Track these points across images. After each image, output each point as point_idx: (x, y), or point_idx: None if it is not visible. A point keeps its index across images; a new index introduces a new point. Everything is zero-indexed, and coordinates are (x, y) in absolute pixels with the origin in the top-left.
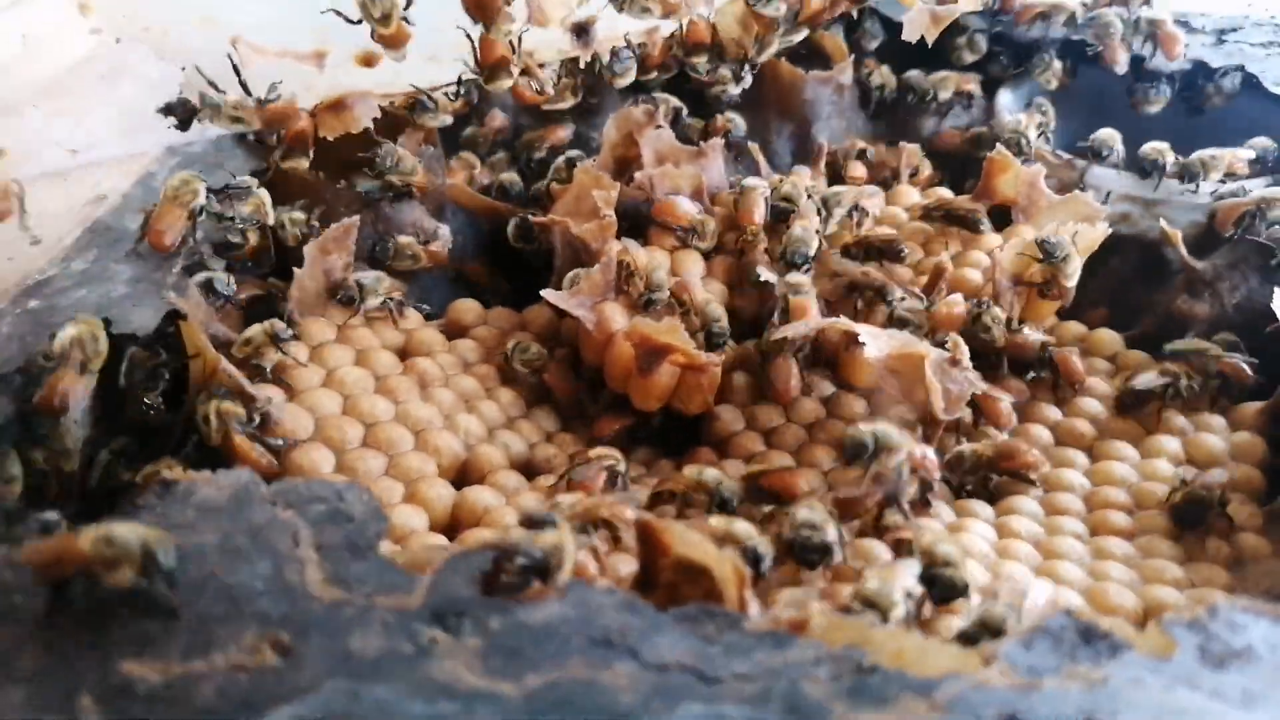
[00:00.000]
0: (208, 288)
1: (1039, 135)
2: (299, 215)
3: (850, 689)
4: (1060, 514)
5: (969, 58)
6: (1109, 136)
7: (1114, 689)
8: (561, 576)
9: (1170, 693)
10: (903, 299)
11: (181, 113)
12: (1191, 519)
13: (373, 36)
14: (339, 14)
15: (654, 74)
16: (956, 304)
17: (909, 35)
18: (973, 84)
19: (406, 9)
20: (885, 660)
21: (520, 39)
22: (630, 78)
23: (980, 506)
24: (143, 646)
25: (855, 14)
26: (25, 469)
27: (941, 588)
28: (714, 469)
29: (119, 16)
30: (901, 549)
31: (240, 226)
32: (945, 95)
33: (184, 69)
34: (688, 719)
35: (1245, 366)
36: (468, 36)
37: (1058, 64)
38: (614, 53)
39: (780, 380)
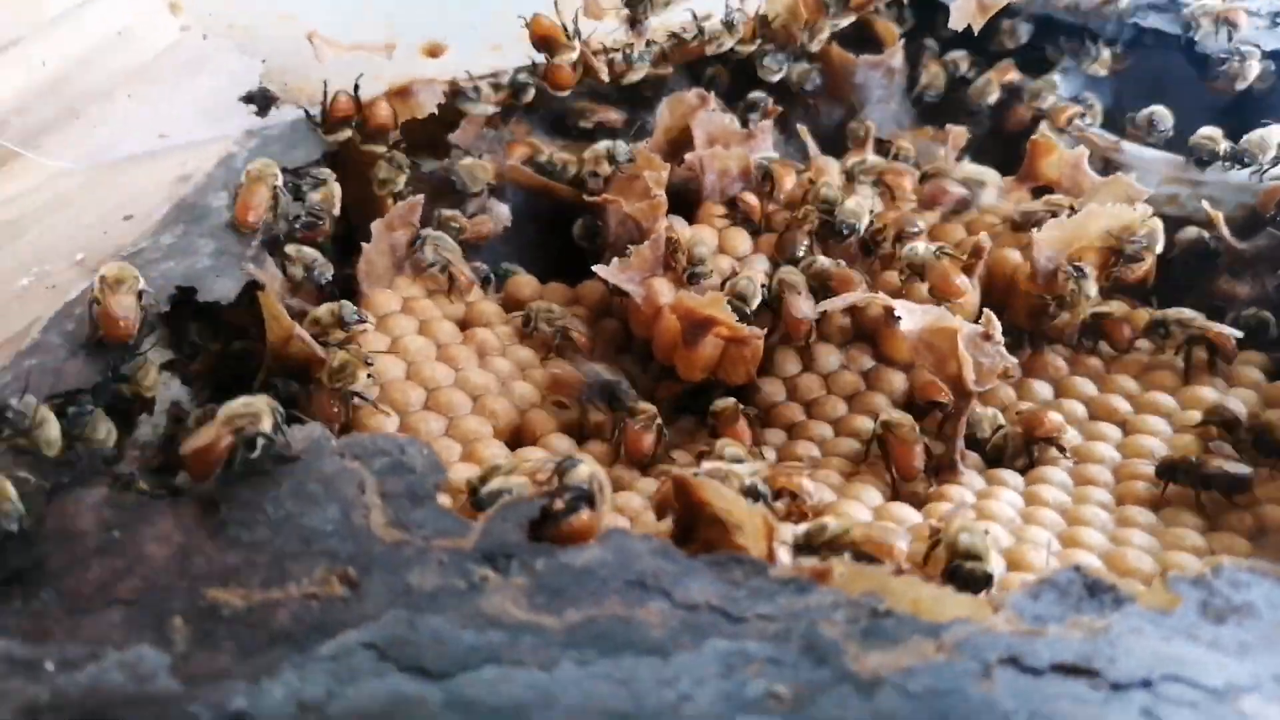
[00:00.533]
0: (308, 270)
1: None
2: (402, 179)
3: (864, 630)
4: (1088, 484)
5: (1009, 45)
6: (1162, 113)
7: (1114, 637)
8: (604, 503)
9: (1168, 642)
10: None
11: (261, 101)
12: (1164, 474)
13: None
14: None
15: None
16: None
17: (955, 24)
18: (1012, 71)
19: None
20: (901, 607)
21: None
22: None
23: (1010, 475)
24: (227, 577)
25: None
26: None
27: (963, 580)
28: (734, 446)
29: (206, 15)
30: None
31: (315, 212)
32: (993, 99)
33: (264, 61)
34: (712, 653)
35: (1229, 334)
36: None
37: (1106, 52)
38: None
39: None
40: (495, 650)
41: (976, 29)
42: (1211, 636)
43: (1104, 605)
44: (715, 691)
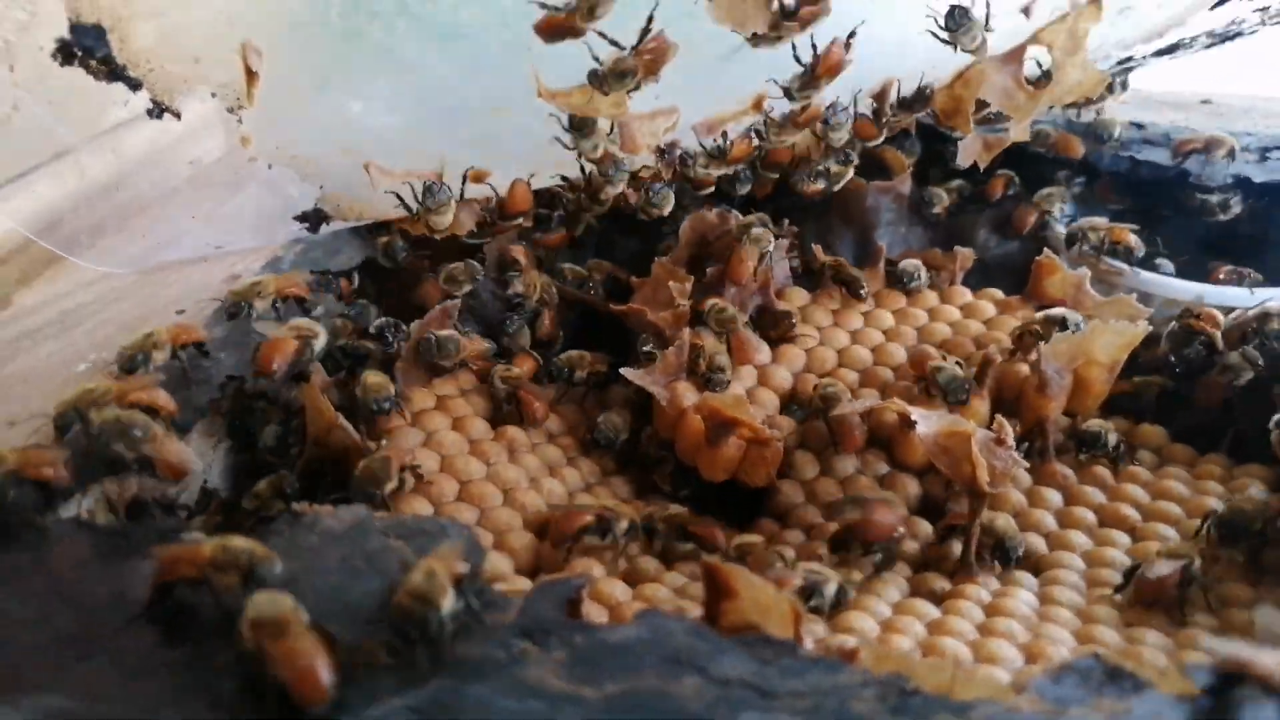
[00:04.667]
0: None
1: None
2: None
3: (894, 708)
4: (1101, 586)
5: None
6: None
7: None
8: None
9: None
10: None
11: (315, 219)
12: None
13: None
14: None
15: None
16: None
17: (962, 162)
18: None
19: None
20: (927, 688)
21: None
22: (668, 207)
23: (1024, 576)
24: None
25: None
26: None
27: None
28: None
29: (274, 148)
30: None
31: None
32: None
33: (321, 187)
34: None
35: None
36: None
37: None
38: (648, 188)
39: (846, 431)
40: (536, 718)
41: (983, 166)
42: None
43: (1125, 690)
44: None
